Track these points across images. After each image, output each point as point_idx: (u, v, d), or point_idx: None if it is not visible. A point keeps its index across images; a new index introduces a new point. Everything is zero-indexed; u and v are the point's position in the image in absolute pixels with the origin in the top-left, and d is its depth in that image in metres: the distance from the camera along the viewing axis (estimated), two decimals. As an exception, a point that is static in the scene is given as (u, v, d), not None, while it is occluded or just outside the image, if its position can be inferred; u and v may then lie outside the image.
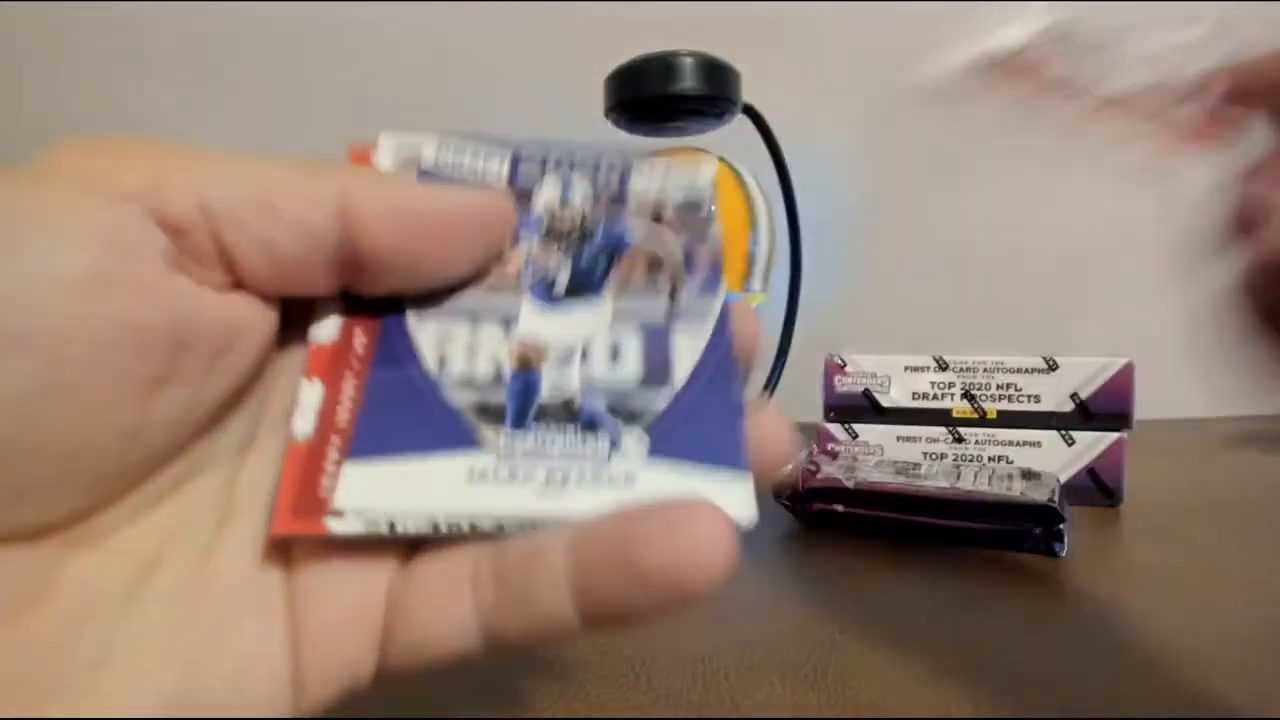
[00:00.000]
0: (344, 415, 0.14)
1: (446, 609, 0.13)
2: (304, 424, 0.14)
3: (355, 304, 0.15)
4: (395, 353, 0.15)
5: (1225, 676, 0.21)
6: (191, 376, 0.12)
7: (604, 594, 0.12)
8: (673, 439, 0.15)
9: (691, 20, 0.69)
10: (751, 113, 0.58)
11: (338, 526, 0.13)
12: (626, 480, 0.14)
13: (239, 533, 0.13)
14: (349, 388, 0.14)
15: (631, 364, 0.15)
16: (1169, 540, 0.33)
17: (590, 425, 0.15)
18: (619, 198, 0.17)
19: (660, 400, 0.15)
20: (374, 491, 0.13)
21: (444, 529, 0.13)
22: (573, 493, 0.14)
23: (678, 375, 0.15)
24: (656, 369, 0.15)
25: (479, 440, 0.14)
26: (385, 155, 0.16)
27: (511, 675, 0.21)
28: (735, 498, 0.14)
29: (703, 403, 0.15)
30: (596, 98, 0.56)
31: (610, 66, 0.55)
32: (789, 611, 0.26)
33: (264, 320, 0.14)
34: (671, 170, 0.18)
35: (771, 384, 0.64)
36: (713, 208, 0.18)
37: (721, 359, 0.16)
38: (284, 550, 0.14)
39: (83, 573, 0.12)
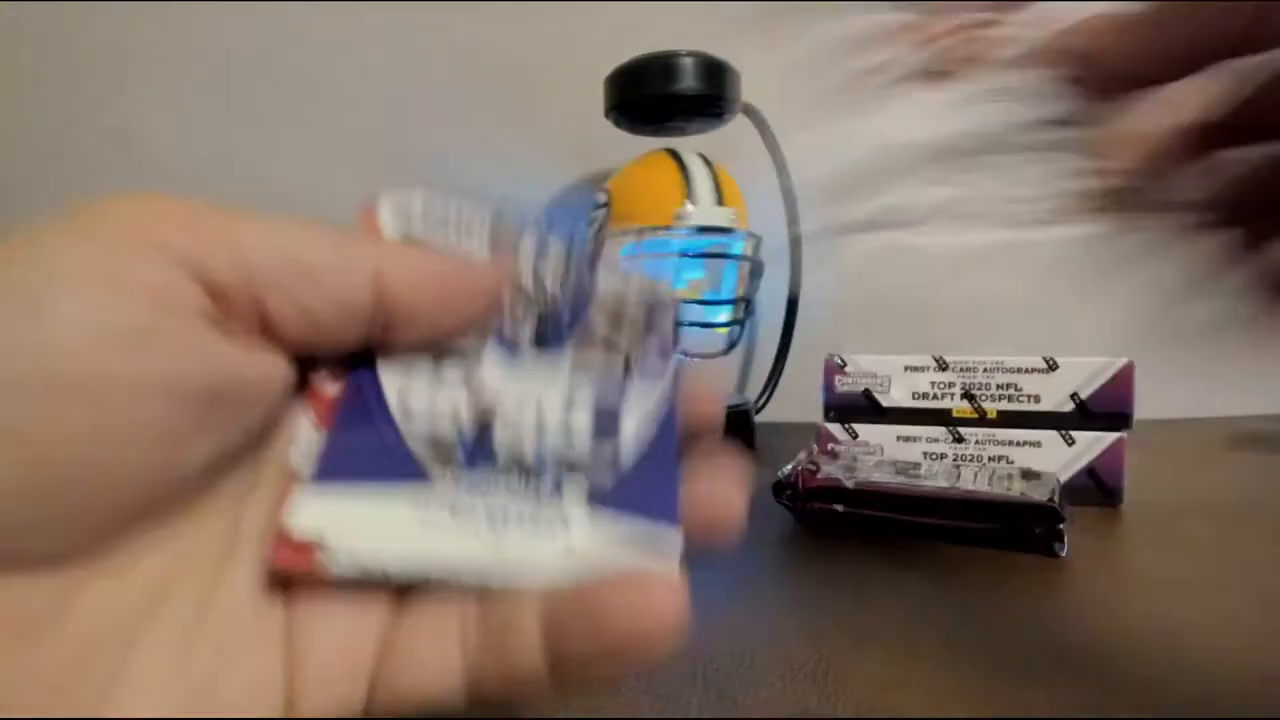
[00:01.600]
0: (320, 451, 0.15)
1: (437, 653, 0.14)
2: (301, 462, 0.15)
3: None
4: (364, 396, 0.16)
5: (1225, 676, 0.21)
6: (221, 427, 0.13)
7: (571, 654, 0.13)
8: (611, 489, 0.16)
9: (691, 20, 0.69)
10: (751, 113, 0.58)
11: (288, 551, 0.14)
12: (563, 523, 0.15)
13: (244, 567, 0.14)
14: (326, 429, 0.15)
15: (582, 417, 0.16)
16: (1169, 540, 0.33)
17: (534, 470, 0.16)
18: (590, 259, 0.18)
19: (604, 452, 0.16)
20: (322, 513, 0.14)
21: (390, 571, 0.14)
22: (512, 534, 0.15)
23: (625, 430, 0.16)
24: (605, 423, 0.16)
25: (428, 474, 0.15)
26: (385, 211, 0.17)
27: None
28: (662, 551, 0.15)
29: (644, 458, 0.16)
30: (597, 98, 0.56)
31: (610, 66, 0.55)
32: (789, 611, 0.26)
33: (288, 374, 0.15)
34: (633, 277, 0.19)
35: (771, 384, 0.64)
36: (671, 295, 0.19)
37: (666, 419, 0.17)
38: (284, 586, 0.14)
39: (95, 601, 0.12)
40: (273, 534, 0.14)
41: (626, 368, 0.17)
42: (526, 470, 0.16)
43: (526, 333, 0.17)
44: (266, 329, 0.14)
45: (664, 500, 0.15)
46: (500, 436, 0.16)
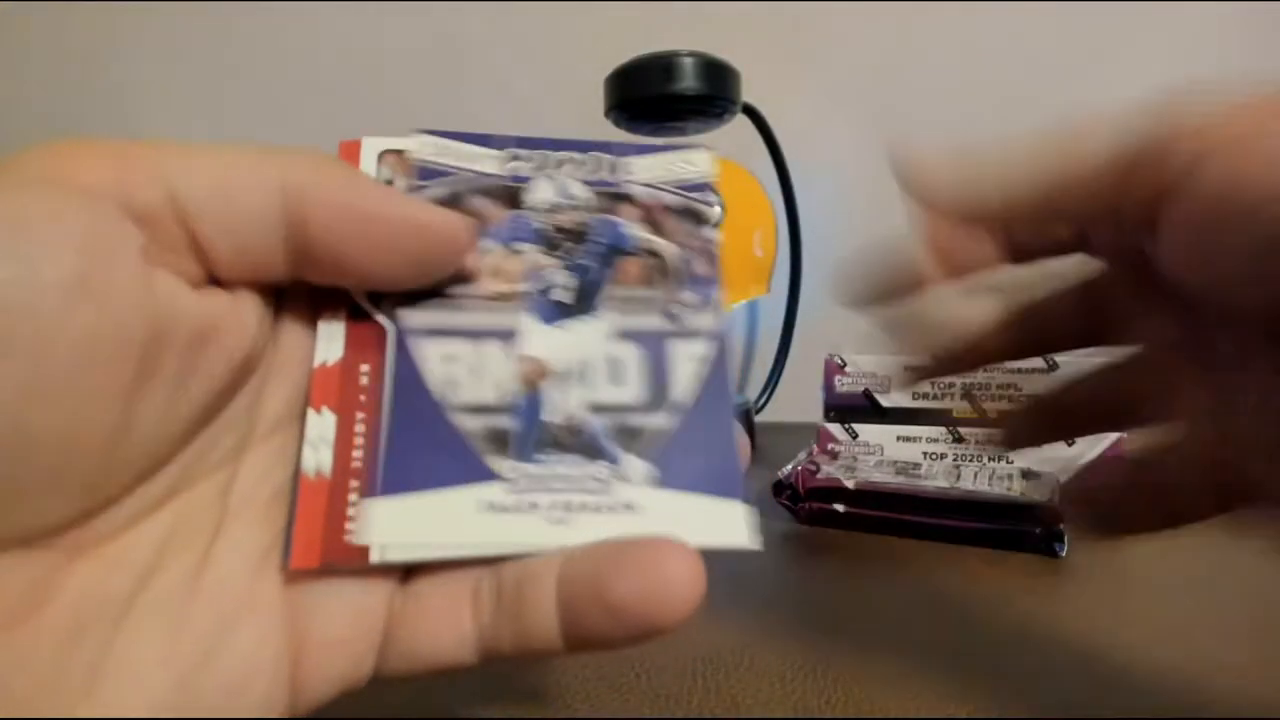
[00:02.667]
0: (359, 451, 0.14)
1: (449, 625, 0.14)
2: (316, 458, 0.14)
3: (356, 320, 0.15)
4: (404, 381, 0.15)
5: (1225, 676, 0.21)
6: (170, 374, 0.13)
7: (583, 623, 0.13)
8: (673, 468, 0.15)
9: (691, 20, 0.69)
10: (751, 113, 0.58)
11: (363, 560, 0.13)
12: (628, 509, 0.15)
13: (234, 540, 0.14)
14: (360, 422, 0.15)
15: (631, 383, 0.16)
16: (1169, 540, 0.33)
17: (593, 450, 0.15)
18: (616, 198, 0.17)
19: (658, 421, 0.15)
20: (400, 527, 0.14)
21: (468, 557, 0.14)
22: (579, 521, 0.14)
23: (675, 395, 0.16)
24: (655, 389, 0.16)
25: (492, 472, 0.15)
26: (366, 158, 0.16)
27: (511, 676, 0.21)
28: (737, 526, 0.14)
29: (701, 429, 0.15)
30: (596, 98, 0.56)
31: (610, 66, 0.55)
32: (789, 611, 0.26)
33: (242, 315, 0.14)
34: (672, 167, 0.18)
35: (771, 384, 0.64)
36: (712, 214, 0.18)
37: (720, 382, 0.16)
38: (279, 563, 0.14)
39: (81, 581, 0.12)
40: (299, 537, 0.13)
41: (670, 319, 0.16)
42: (583, 454, 0.15)
43: (562, 292, 0.16)
44: (202, 258, 0.13)
45: (729, 473, 0.15)
46: (550, 414, 0.15)
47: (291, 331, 0.15)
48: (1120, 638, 0.24)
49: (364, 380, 0.15)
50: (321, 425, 0.15)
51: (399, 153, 0.17)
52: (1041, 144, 0.16)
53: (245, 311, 0.14)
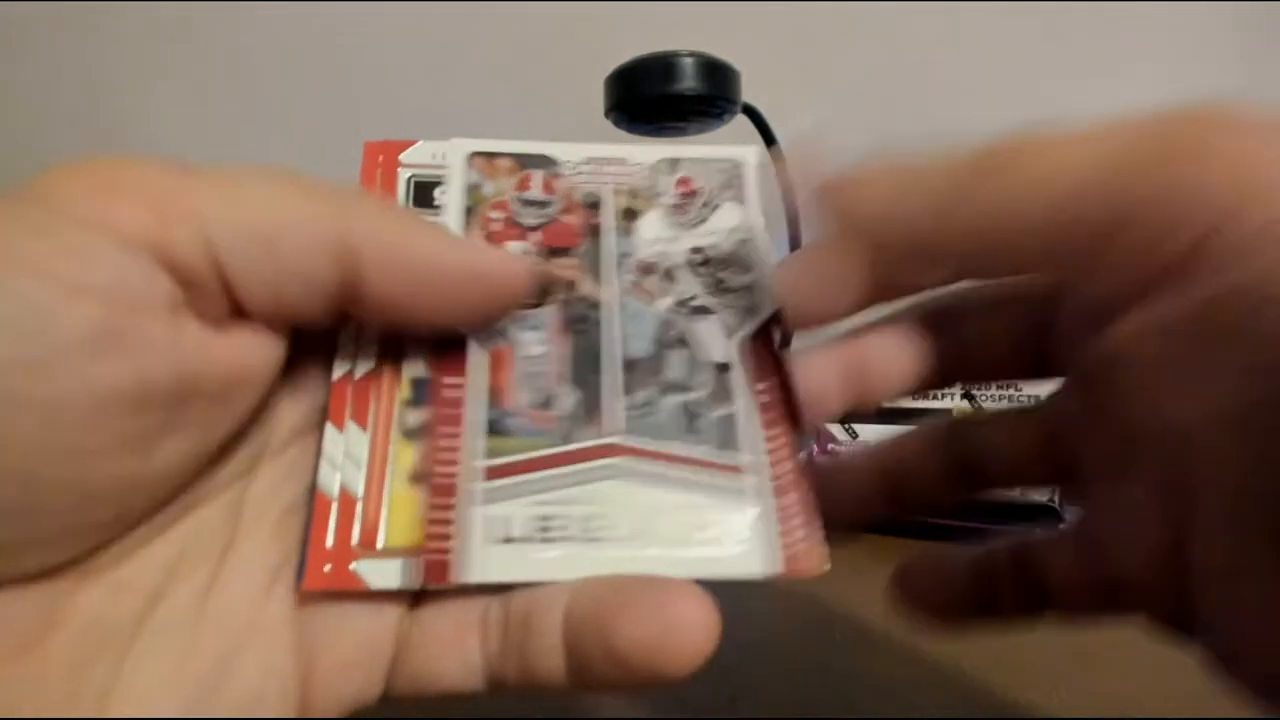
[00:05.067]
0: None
1: (457, 651, 0.13)
2: (336, 476, 0.14)
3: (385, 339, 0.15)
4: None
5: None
6: (194, 425, 0.12)
7: (588, 666, 0.12)
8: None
9: (691, 20, 0.69)
10: (751, 113, 0.58)
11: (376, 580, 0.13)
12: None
13: (245, 559, 0.13)
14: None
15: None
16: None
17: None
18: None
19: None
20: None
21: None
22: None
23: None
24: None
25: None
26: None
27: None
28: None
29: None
30: (597, 98, 0.56)
31: (610, 66, 0.55)
32: (789, 612, 0.26)
33: (268, 356, 0.13)
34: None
35: (771, 384, 0.64)
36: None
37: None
38: (289, 582, 0.14)
39: (88, 607, 0.12)
40: (324, 561, 0.13)
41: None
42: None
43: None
44: (235, 304, 0.12)
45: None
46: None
47: (305, 343, 0.15)
48: (1120, 638, 0.24)
49: (447, 393, 0.15)
50: (346, 441, 0.14)
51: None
52: (992, 163, 0.13)
53: (271, 354, 0.13)
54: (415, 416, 0.15)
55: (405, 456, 0.14)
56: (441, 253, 0.13)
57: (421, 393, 0.15)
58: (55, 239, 0.11)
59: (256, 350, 0.13)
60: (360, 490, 0.14)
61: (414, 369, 0.15)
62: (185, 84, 0.71)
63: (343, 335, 0.15)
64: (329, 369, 0.15)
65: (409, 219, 0.14)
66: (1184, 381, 0.12)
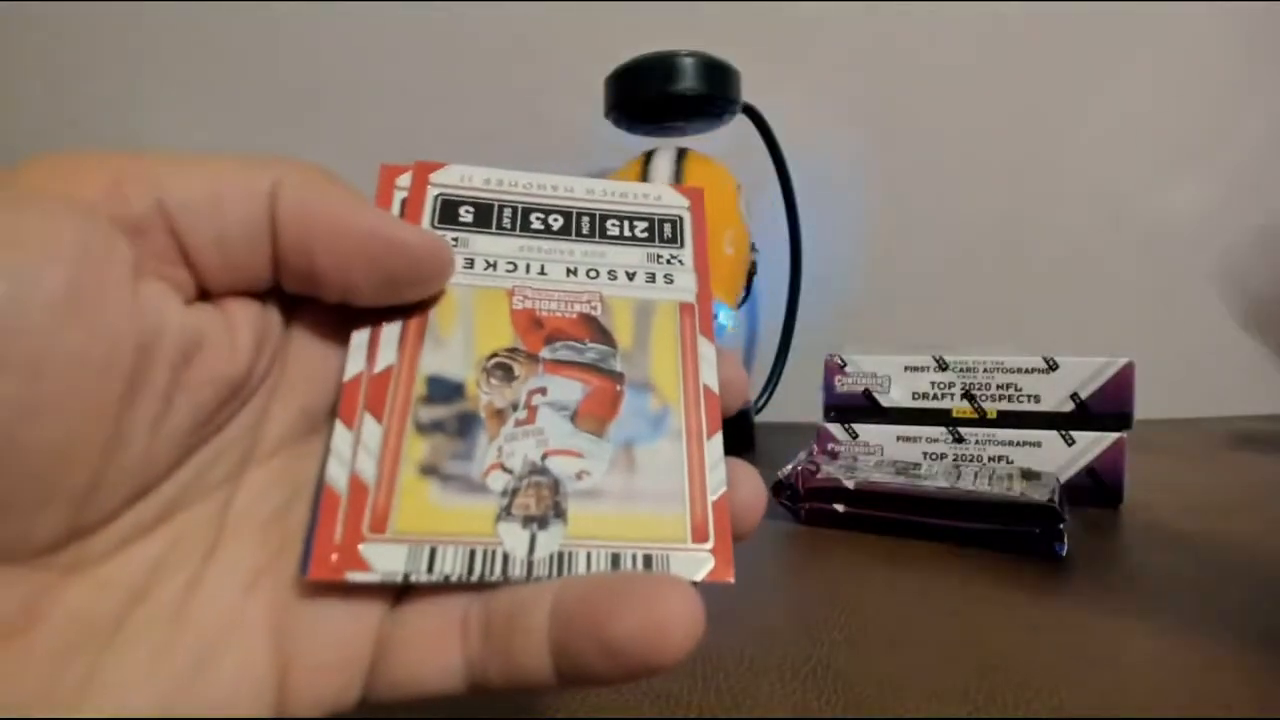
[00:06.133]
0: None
1: (437, 654, 0.14)
2: (349, 467, 0.14)
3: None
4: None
5: (1225, 676, 0.21)
6: (159, 389, 0.13)
7: (578, 660, 0.13)
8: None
9: (691, 20, 0.69)
10: (751, 113, 0.58)
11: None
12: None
13: (228, 561, 0.14)
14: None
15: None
16: (1169, 540, 0.33)
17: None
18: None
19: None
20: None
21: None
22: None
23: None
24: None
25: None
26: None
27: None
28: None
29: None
30: (596, 98, 0.56)
31: (610, 66, 0.55)
32: (789, 611, 0.26)
33: (233, 333, 0.14)
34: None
35: (771, 384, 0.64)
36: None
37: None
38: (271, 585, 0.14)
39: (72, 601, 0.12)
40: (331, 551, 0.13)
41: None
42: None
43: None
44: (193, 271, 0.13)
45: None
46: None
47: (301, 353, 0.16)
48: (1120, 638, 0.24)
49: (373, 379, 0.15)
50: (357, 436, 0.15)
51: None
52: None
53: (237, 329, 0.14)
54: (429, 413, 0.15)
55: (417, 450, 0.15)
56: (359, 214, 0.14)
57: (437, 390, 0.16)
58: (23, 213, 0.12)
59: (219, 323, 0.14)
60: (372, 479, 0.14)
61: (430, 366, 0.16)
62: (178, 91, 0.71)
63: (355, 337, 0.16)
64: (316, 380, 0.16)
65: (339, 185, 0.15)
66: None
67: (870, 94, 0.70)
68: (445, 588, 0.14)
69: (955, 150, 0.71)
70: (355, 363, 0.15)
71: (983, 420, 0.42)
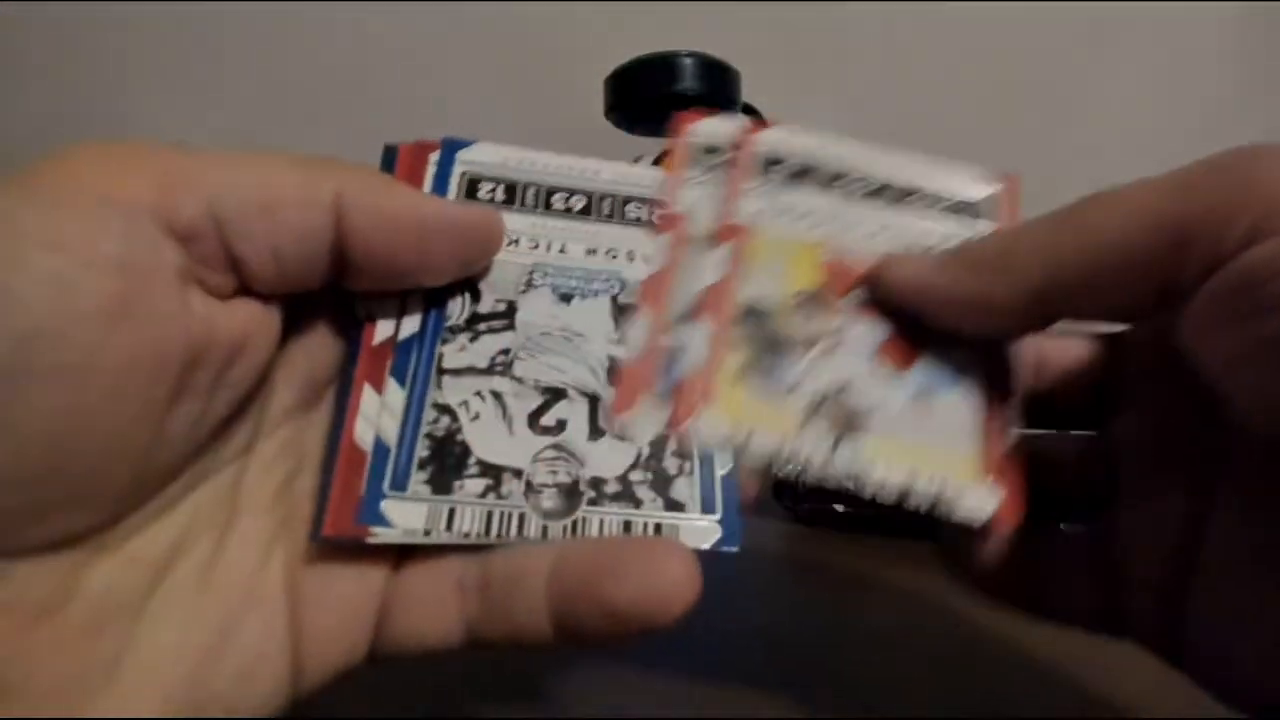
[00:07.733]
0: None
1: (436, 613, 0.14)
2: (373, 428, 0.15)
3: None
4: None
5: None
6: (202, 392, 0.13)
7: (578, 621, 0.13)
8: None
9: (691, 20, 0.69)
10: (752, 113, 0.58)
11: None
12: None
13: (244, 533, 0.14)
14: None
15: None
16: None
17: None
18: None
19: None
20: None
21: None
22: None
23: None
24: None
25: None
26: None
27: (512, 676, 0.21)
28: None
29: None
30: (596, 98, 0.56)
31: (610, 66, 0.55)
32: (788, 611, 0.26)
33: (269, 326, 0.14)
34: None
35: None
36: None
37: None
38: (284, 552, 0.14)
39: (100, 579, 0.12)
40: (347, 509, 0.14)
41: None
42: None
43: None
44: (238, 273, 0.13)
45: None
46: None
47: (299, 324, 0.16)
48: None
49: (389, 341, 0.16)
50: (383, 401, 0.15)
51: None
52: (1061, 227, 0.14)
53: (274, 319, 0.14)
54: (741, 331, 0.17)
55: (736, 357, 0.17)
56: (419, 204, 0.15)
57: (750, 317, 0.17)
58: (67, 213, 0.11)
59: (257, 322, 0.14)
60: (394, 440, 0.15)
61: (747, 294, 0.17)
62: (185, 87, 0.71)
63: (381, 305, 0.16)
64: (320, 353, 0.16)
65: (388, 180, 0.15)
66: (1216, 342, 0.13)
67: (870, 94, 0.70)
68: (441, 550, 0.14)
69: (955, 150, 0.71)
70: (385, 328, 0.16)
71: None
